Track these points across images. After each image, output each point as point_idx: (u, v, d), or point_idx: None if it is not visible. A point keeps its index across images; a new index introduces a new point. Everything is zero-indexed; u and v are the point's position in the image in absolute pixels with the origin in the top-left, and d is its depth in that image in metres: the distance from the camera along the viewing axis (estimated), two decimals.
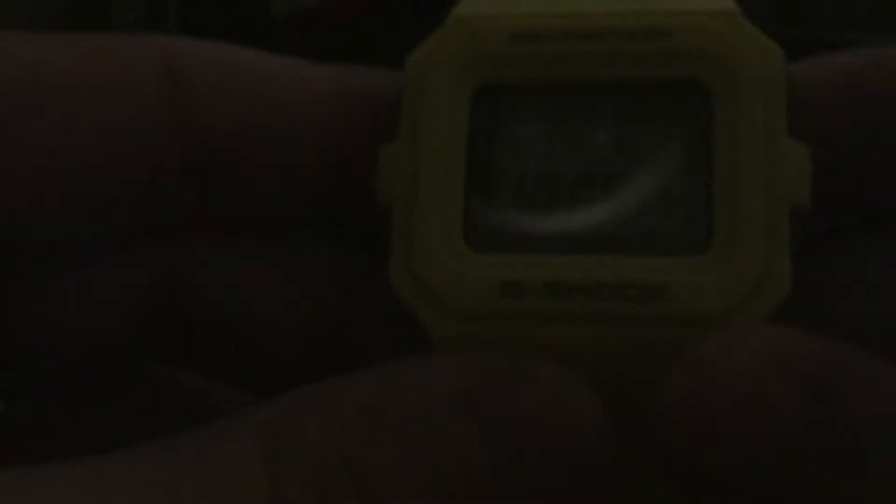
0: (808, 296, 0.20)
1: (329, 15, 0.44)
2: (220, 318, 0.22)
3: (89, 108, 0.20)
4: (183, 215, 0.21)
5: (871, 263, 0.21)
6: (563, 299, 0.19)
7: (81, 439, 0.22)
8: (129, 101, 0.20)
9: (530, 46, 0.21)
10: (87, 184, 0.20)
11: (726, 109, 0.20)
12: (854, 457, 0.16)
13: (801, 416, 0.16)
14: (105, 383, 0.22)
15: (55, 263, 0.21)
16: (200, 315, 0.22)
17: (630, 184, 0.20)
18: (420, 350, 0.19)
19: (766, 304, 0.19)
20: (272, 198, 0.22)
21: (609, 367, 0.19)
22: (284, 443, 0.17)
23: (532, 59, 0.21)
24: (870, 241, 0.21)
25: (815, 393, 0.16)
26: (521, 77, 0.21)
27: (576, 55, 0.21)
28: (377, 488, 0.17)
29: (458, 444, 0.17)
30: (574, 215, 0.20)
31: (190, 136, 0.21)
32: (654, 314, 0.19)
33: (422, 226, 0.20)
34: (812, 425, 0.16)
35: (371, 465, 0.17)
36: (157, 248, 0.22)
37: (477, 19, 0.21)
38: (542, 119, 0.21)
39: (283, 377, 0.20)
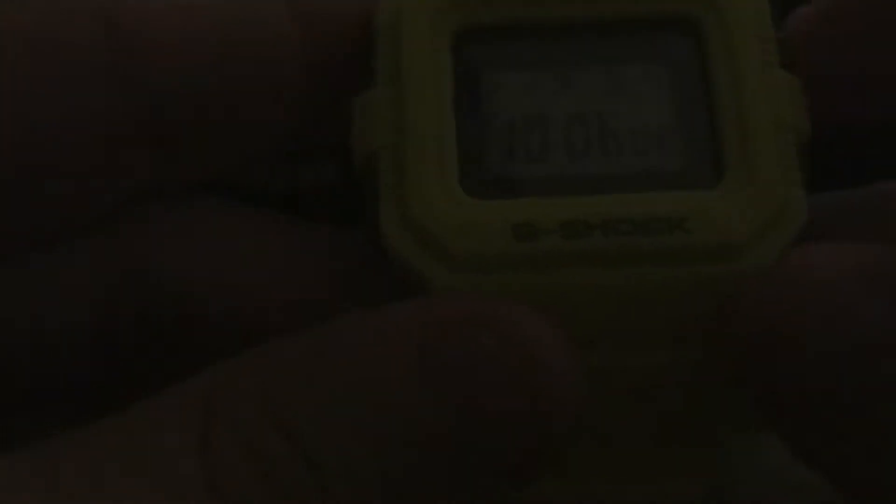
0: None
1: None
2: (193, 307, 0.20)
3: (18, 70, 0.18)
4: (142, 188, 0.20)
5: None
6: (582, 237, 0.18)
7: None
8: (66, 61, 0.18)
9: None
10: (27, 159, 0.18)
11: (718, 44, 0.20)
12: None
13: (891, 329, 0.15)
14: (70, 384, 0.20)
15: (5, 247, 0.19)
16: (170, 303, 0.20)
17: (627, 122, 0.20)
18: None
19: (787, 231, 0.19)
20: (240, 158, 0.20)
21: (633, 308, 0.18)
22: (221, 422, 0.15)
23: (513, 2, 0.20)
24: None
25: None
26: (504, 18, 0.20)
27: None
28: (326, 464, 0.15)
29: (407, 401, 0.15)
30: (573, 157, 0.20)
31: (140, 96, 0.19)
32: (678, 246, 0.18)
33: (416, 173, 0.19)
34: None
35: (317, 439, 0.15)
36: (117, 226, 0.20)
37: None
38: (528, 60, 0.20)
39: None
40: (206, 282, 0.20)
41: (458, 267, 0.18)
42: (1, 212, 0.18)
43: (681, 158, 0.19)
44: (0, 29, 0.18)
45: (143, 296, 0.20)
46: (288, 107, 0.20)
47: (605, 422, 0.19)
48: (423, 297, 0.18)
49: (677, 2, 0.20)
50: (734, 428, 0.20)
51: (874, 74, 0.20)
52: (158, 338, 0.20)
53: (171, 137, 0.19)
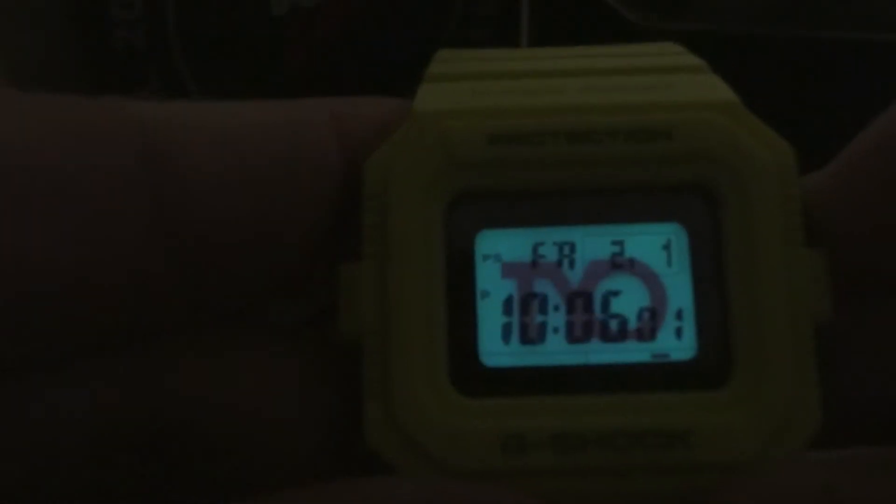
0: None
1: (329, 15, 0.44)
2: (211, 433, 0.19)
3: (52, 200, 0.17)
4: (165, 323, 0.18)
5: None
6: (573, 453, 0.17)
7: None
8: (105, 192, 0.17)
9: (512, 149, 0.18)
10: (53, 294, 0.17)
11: (737, 217, 0.18)
12: None
13: None
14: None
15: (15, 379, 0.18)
16: (189, 433, 0.19)
17: (635, 302, 0.18)
18: None
19: (796, 439, 0.17)
20: (273, 289, 0.19)
21: None
22: None
23: (515, 164, 0.18)
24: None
25: None
26: (503, 184, 0.18)
27: (564, 159, 0.18)
28: None
29: None
30: (573, 344, 0.18)
31: (177, 231, 0.18)
32: (678, 464, 0.17)
33: (401, 368, 0.18)
34: None
35: None
36: (130, 358, 0.19)
37: (445, 116, 0.19)
38: (530, 230, 0.19)
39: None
40: (207, 406, 0.19)
41: (446, 475, 0.17)
42: (20, 332, 0.17)
43: (694, 350, 0.18)
44: (27, 147, 0.17)
45: (145, 417, 0.19)
46: (319, 245, 0.19)
47: None
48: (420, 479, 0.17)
49: (697, 169, 0.18)
50: None
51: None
52: (157, 461, 0.19)
53: (203, 273, 0.18)
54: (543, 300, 0.18)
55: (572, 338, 0.18)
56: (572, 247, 0.18)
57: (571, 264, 0.18)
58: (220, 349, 0.19)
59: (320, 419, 0.19)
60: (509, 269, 0.18)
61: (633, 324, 0.18)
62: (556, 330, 0.18)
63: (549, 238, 0.18)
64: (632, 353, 0.18)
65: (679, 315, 0.18)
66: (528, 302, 0.18)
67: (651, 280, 0.18)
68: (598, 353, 0.18)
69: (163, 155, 0.17)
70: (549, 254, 0.18)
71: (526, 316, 0.18)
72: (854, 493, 0.16)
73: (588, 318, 0.18)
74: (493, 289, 0.18)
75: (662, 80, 0.19)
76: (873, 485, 0.16)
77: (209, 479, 0.19)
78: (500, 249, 0.18)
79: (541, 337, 0.18)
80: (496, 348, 0.18)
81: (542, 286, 0.18)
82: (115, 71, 0.43)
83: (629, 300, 0.18)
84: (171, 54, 0.43)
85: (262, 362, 0.19)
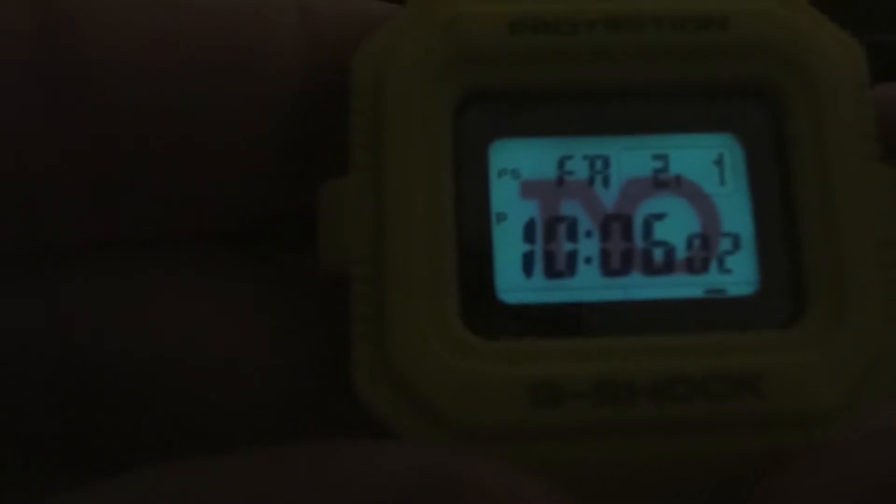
0: None
1: None
2: (138, 370, 0.16)
3: None
4: (79, 235, 0.15)
5: None
6: (622, 405, 0.14)
7: None
8: None
9: (538, 39, 0.15)
10: None
11: (805, 123, 0.15)
12: None
13: None
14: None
15: None
16: (113, 367, 0.16)
17: (682, 227, 0.15)
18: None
19: (885, 385, 0.15)
20: (210, 202, 0.16)
21: (687, 491, 0.14)
22: None
23: (540, 58, 0.16)
24: None
25: None
26: (525, 83, 0.16)
27: (599, 51, 0.16)
28: None
29: None
30: (609, 277, 0.15)
31: (79, 117, 0.14)
32: (748, 414, 0.14)
33: (399, 304, 0.14)
34: None
35: None
36: (48, 276, 0.16)
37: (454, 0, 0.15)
38: (555, 140, 0.16)
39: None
40: (128, 347, 0.16)
41: (459, 437, 0.14)
42: None
43: (759, 282, 0.15)
44: None
45: (85, 365, 0.16)
46: (280, 143, 0.16)
47: None
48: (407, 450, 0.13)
49: (758, 66, 0.16)
50: None
51: None
52: (98, 419, 0.16)
53: (121, 180, 0.15)
54: (572, 225, 0.15)
55: (608, 270, 0.15)
56: (606, 161, 0.15)
57: (606, 182, 0.15)
58: (149, 274, 0.16)
59: (289, 365, 0.16)
60: (531, 188, 0.15)
61: (681, 253, 0.15)
62: (588, 260, 0.15)
63: (579, 150, 0.15)
64: (681, 287, 0.15)
65: (736, 242, 0.15)
66: (554, 227, 0.15)
67: (701, 201, 0.16)
68: (641, 287, 0.15)
69: (66, 21, 0.14)
70: (579, 169, 0.15)
71: (551, 243, 0.15)
72: None
73: (627, 247, 0.15)
74: (511, 210, 0.15)
75: None
76: None
77: (146, 438, 0.16)
78: (519, 163, 0.15)
79: (570, 269, 0.15)
80: (517, 282, 0.15)
81: (571, 208, 0.15)
82: None
83: (676, 225, 0.15)
84: None
85: (206, 291, 0.16)
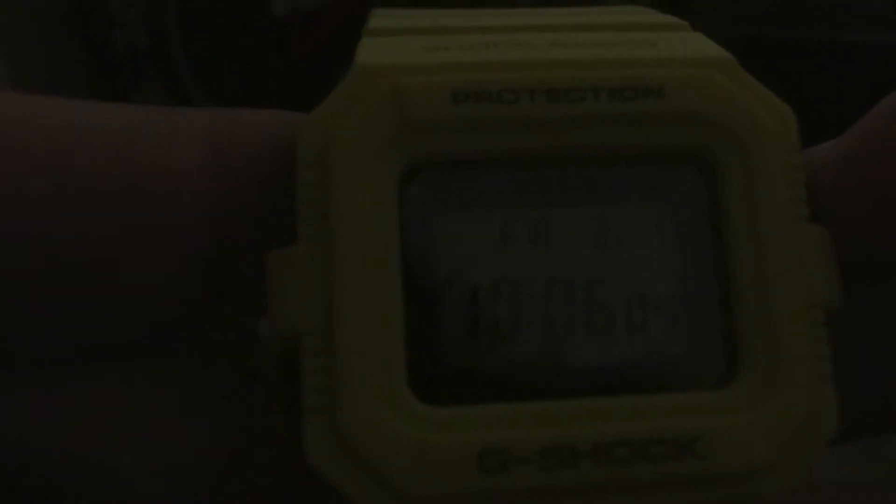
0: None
1: (329, 15, 0.44)
2: (52, 480, 0.16)
3: None
4: None
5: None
6: (566, 468, 0.15)
7: None
8: None
9: (481, 109, 0.16)
10: None
11: (738, 188, 0.16)
12: None
13: None
14: None
15: None
16: (23, 478, 0.16)
17: (621, 290, 0.16)
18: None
19: (815, 442, 0.15)
20: (113, 323, 0.16)
21: None
22: None
23: (483, 127, 0.16)
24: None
25: None
26: (469, 152, 0.16)
27: (540, 120, 0.16)
28: None
29: None
30: (555, 339, 0.16)
31: None
32: (687, 476, 0.15)
33: (349, 374, 0.15)
34: None
35: None
36: None
37: (397, 70, 0.16)
38: (498, 206, 0.16)
39: None
40: (61, 454, 0.16)
41: (409, 502, 0.14)
42: None
43: (693, 343, 0.16)
44: None
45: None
46: (189, 262, 0.15)
47: None
48: None
49: (686, 128, 0.16)
50: None
51: None
52: None
53: (18, 293, 0.15)
54: (516, 289, 0.16)
55: (551, 333, 0.15)
56: (547, 226, 0.16)
57: (547, 246, 0.16)
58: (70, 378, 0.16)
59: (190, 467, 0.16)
60: (475, 253, 0.16)
61: (620, 315, 0.16)
62: (531, 324, 0.15)
63: (521, 216, 0.16)
64: (620, 349, 0.15)
65: (673, 305, 0.16)
66: (498, 291, 0.16)
67: (639, 264, 0.16)
68: (583, 350, 0.15)
69: None
70: (521, 235, 0.16)
71: (495, 308, 0.15)
72: None
73: (569, 310, 0.16)
74: (456, 277, 0.15)
75: (645, 37, 0.17)
76: None
77: None
78: (463, 229, 0.16)
79: (514, 333, 0.15)
80: (462, 348, 0.15)
81: (514, 272, 0.16)
82: (115, 71, 0.44)
83: (615, 288, 0.16)
84: (171, 54, 0.44)
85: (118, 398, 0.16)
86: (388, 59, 0.16)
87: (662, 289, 0.16)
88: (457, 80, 0.16)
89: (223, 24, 0.44)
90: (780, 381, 0.15)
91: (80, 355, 0.16)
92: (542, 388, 0.15)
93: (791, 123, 0.16)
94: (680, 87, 0.16)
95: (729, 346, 0.15)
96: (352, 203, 0.15)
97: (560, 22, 0.17)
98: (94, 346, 0.16)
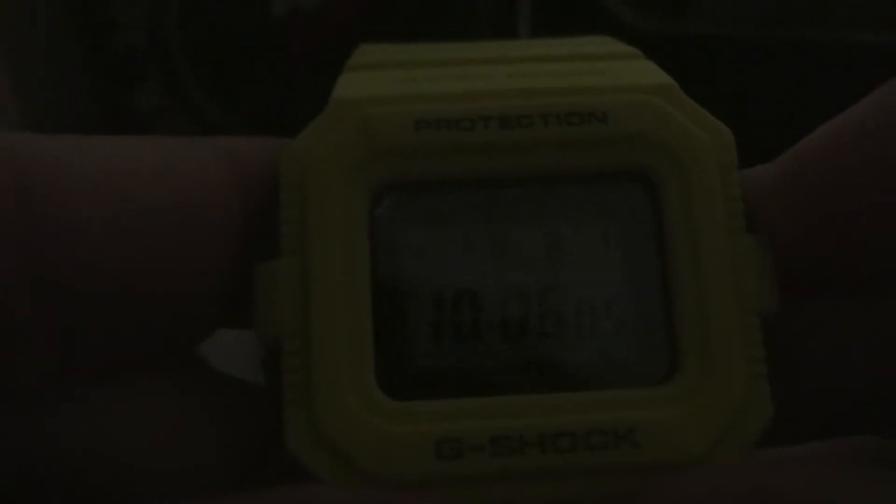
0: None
1: (329, 15, 0.44)
2: (91, 484, 0.17)
3: None
4: (35, 375, 0.17)
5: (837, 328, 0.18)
6: (514, 455, 0.16)
7: None
8: None
9: (440, 135, 0.17)
10: None
11: (677, 203, 0.17)
12: None
13: None
14: None
15: None
16: (66, 484, 0.17)
17: (570, 297, 0.17)
18: None
19: (746, 436, 0.17)
20: (155, 337, 0.17)
21: None
22: None
23: (443, 152, 0.17)
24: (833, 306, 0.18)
25: None
26: (431, 173, 0.18)
27: (496, 145, 0.18)
28: None
29: None
30: (509, 342, 0.17)
31: (45, 277, 0.16)
32: (623, 464, 0.16)
33: (324, 371, 0.16)
34: None
35: None
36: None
37: (367, 103, 0.18)
38: (458, 223, 0.18)
39: None
40: (88, 453, 0.17)
41: (375, 484, 0.16)
42: None
43: (636, 344, 0.17)
44: None
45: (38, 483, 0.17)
46: (218, 278, 0.17)
47: None
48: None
49: (628, 149, 0.18)
50: None
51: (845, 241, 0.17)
52: None
53: (77, 325, 0.16)
54: (476, 296, 0.17)
55: (508, 335, 0.17)
56: (505, 240, 0.17)
57: (504, 258, 0.17)
58: (109, 398, 0.17)
59: (223, 462, 0.17)
60: (438, 264, 0.17)
61: (572, 320, 0.17)
62: (490, 327, 0.17)
63: (481, 230, 0.17)
64: (571, 349, 0.17)
65: (620, 311, 0.17)
66: (460, 298, 0.17)
67: (589, 274, 0.17)
68: (536, 350, 0.17)
69: (36, 194, 0.16)
70: (481, 247, 0.17)
71: (458, 313, 0.17)
72: (790, 498, 0.15)
73: (524, 315, 0.17)
74: (420, 286, 0.17)
75: (595, 66, 0.19)
76: (811, 488, 0.15)
77: None
78: (427, 244, 0.17)
79: (474, 335, 0.17)
80: (426, 349, 0.17)
81: (475, 281, 0.17)
82: (115, 71, 0.44)
83: (567, 295, 0.17)
84: (171, 54, 0.44)
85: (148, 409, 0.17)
86: (359, 92, 0.18)
87: (610, 296, 0.17)
88: (419, 109, 0.18)
89: (223, 24, 0.45)
90: (713, 378, 0.17)
91: (122, 367, 0.17)
92: (497, 384, 0.17)
93: (728, 142, 0.18)
94: (621, 111, 0.18)
95: (670, 348, 0.17)
96: (326, 221, 0.17)
97: (521, 54, 0.19)
98: (136, 356, 0.17)
